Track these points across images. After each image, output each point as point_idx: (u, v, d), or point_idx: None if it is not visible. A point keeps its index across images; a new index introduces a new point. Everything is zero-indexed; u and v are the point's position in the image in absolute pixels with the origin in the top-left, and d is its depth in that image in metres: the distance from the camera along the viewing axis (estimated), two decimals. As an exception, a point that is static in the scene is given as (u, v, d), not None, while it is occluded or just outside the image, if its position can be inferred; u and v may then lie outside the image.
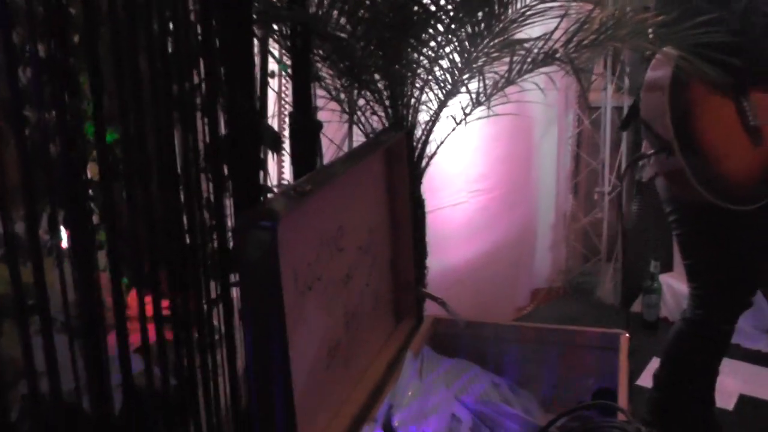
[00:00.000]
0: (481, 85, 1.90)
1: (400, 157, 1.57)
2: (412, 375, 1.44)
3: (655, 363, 2.16)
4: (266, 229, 0.93)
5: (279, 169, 2.22)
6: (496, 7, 1.72)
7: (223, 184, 1.22)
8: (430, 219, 1.95)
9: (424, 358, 1.57)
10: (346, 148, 2.19)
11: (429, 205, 1.94)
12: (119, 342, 0.98)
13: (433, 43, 1.77)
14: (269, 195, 1.50)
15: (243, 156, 1.24)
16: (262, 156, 1.48)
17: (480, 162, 2.92)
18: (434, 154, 1.92)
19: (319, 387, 1.25)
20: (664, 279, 3.23)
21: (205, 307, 1.18)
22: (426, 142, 1.95)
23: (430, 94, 1.92)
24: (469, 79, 1.87)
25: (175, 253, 1.13)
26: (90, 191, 1.11)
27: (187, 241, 1.15)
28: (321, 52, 1.78)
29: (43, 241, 0.99)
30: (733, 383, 2.55)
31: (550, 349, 1.62)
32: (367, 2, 1.70)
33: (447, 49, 1.79)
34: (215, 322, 1.22)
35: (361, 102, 1.95)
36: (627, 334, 1.56)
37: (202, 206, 1.19)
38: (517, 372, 1.63)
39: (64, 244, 1.01)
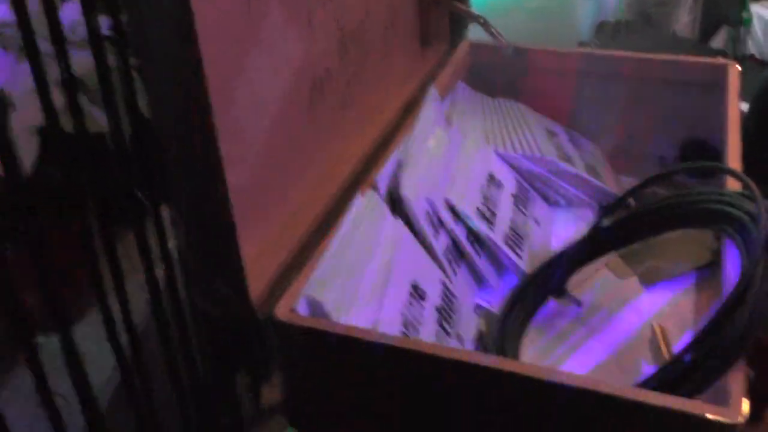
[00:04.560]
0: None
1: None
2: (435, 120, 1.04)
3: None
4: None
5: None
6: None
7: None
8: None
9: (456, 98, 1.16)
10: None
11: None
12: None
13: None
14: None
15: None
16: None
17: None
18: None
19: (297, 136, 0.87)
20: (756, 9, 2.72)
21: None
22: None
23: None
24: None
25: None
26: None
27: None
28: None
29: None
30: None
31: (627, 86, 1.19)
32: None
33: None
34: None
35: None
36: (738, 66, 1.13)
37: None
38: (581, 117, 1.22)
39: None
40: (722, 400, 0.64)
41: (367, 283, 0.79)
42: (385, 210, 0.88)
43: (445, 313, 0.86)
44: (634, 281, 0.99)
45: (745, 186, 0.81)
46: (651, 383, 0.68)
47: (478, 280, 0.96)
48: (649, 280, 0.99)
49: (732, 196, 0.82)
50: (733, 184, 0.87)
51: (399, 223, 0.88)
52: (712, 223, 0.84)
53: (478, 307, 0.94)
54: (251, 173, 0.78)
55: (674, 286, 0.98)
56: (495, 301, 0.95)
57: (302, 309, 0.75)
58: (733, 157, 0.94)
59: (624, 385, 0.65)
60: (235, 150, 0.73)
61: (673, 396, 0.64)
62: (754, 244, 0.73)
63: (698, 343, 0.69)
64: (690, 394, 0.66)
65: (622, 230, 0.94)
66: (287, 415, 0.82)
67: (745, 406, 0.63)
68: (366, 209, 0.86)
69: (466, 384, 0.69)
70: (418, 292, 0.83)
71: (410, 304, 0.81)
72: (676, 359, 0.68)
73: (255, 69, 0.77)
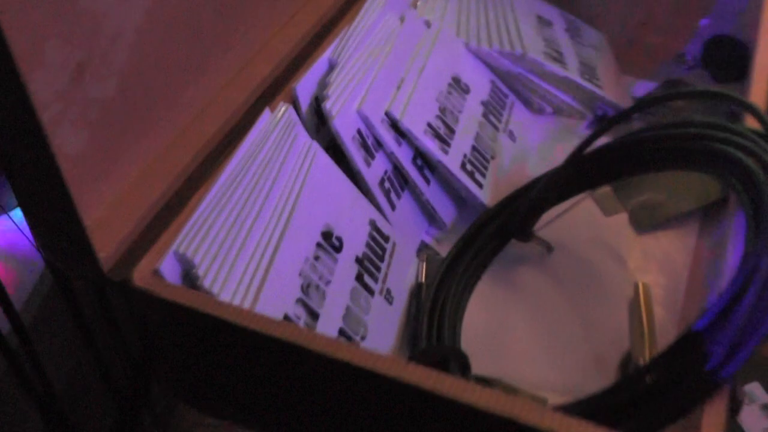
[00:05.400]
0: None
1: None
2: (389, 4, 0.83)
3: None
4: None
5: None
6: None
7: None
8: None
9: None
10: None
11: None
12: None
13: None
14: None
15: None
16: None
17: None
18: None
19: (190, 26, 0.67)
20: None
21: None
22: None
23: None
24: None
25: None
26: None
27: None
28: None
29: None
30: None
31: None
32: None
33: None
34: None
35: None
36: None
37: None
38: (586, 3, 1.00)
39: None
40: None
41: (259, 233, 0.61)
42: (300, 131, 0.69)
43: (371, 264, 0.68)
44: (622, 220, 0.81)
45: (765, 127, 0.60)
46: (590, 406, 0.51)
47: (428, 213, 0.77)
48: (641, 221, 0.80)
49: (751, 139, 0.61)
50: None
51: (315, 148, 0.69)
52: (719, 171, 0.64)
53: (424, 246, 0.76)
54: (121, 79, 0.59)
55: (672, 229, 0.79)
56: (447, 239, 0.77)
57: (168, 270, 0.58)
58: (762, 71, 0.72)
59: (543, 410, 0.47)
60: (92, 53, 0.54)
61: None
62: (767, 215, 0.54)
63: (666, 360, 0.51)
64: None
65: (611, 161, 0.74)
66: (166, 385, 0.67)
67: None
68: (274, 130, 0.67)
69: (326, 376, 0.52)
70: (330, 242, 0.65)
71: (316, 258, 0.63)
72: (631, 379, 0.51)
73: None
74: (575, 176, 0.75)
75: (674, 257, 0.77)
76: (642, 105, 0.71)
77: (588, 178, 0.75)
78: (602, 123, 0.70)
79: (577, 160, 0.73)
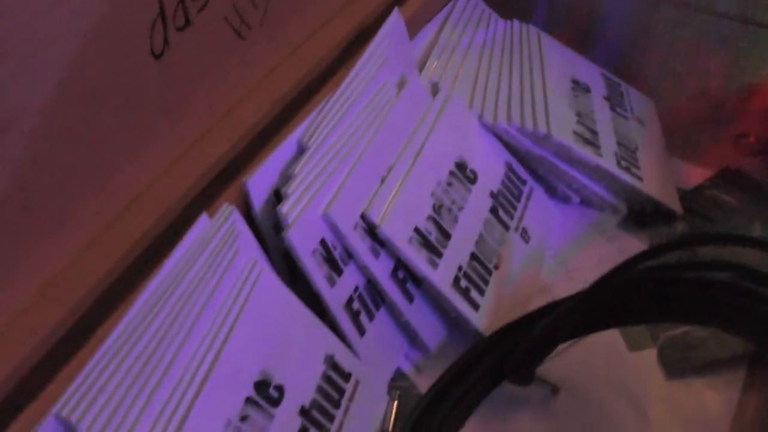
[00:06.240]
0: None
1: None
2: (388, 67, 0.68)
3: None
4: None
5: None
6: None
7: None
8: None
9: (449, 19, 0.78)
10: None
11: None
12: None
13: None
14: None
15: None
16: None
17: None
18: None
19: (127, 103, 0.53)
20: None
21: None
22: None
23: None
24: None
25: None
26: None
27: None
28: None
29: None
30: None
31: (711, 22, 0.79)
32: None
33: None
34: None
35: None
36: None
37: None
38: (638, 58, 0.84)
39: None
40: None
41: (169, 390, 0.48)
42: (244, 243, 0.55)
43: (321, 414, 0.54)
44: (650, 358, 0.65)
45: None
46: None
47: (409, 334, 0.63)
48: (672, 362, 0.65)
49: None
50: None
51: (260, 267, 0.55)
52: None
53: (399, 376, 0.62)
54: (18, 175, 0.46)
55: (711, 377, 0.64)
56: (430, 366, 0.63)
57: (45, 439, 0.45)
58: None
59: None
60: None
61: None
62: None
63: None
64: None
65: (644, 299, 0.60)
66: None
67: None
68: (210, 243, 0.53)
69: None
70: (265, 394, 0.51)
71: (243, 419, 0.50)
72: None
73: None
74: (595, 311, 0.60)
75: (710, 415, 0.62)
76: (682, 243, 0.56)
77: (611, 314, 0.60)
78: (632, 258, 0.55)
79: (601, 290, 0.59)
